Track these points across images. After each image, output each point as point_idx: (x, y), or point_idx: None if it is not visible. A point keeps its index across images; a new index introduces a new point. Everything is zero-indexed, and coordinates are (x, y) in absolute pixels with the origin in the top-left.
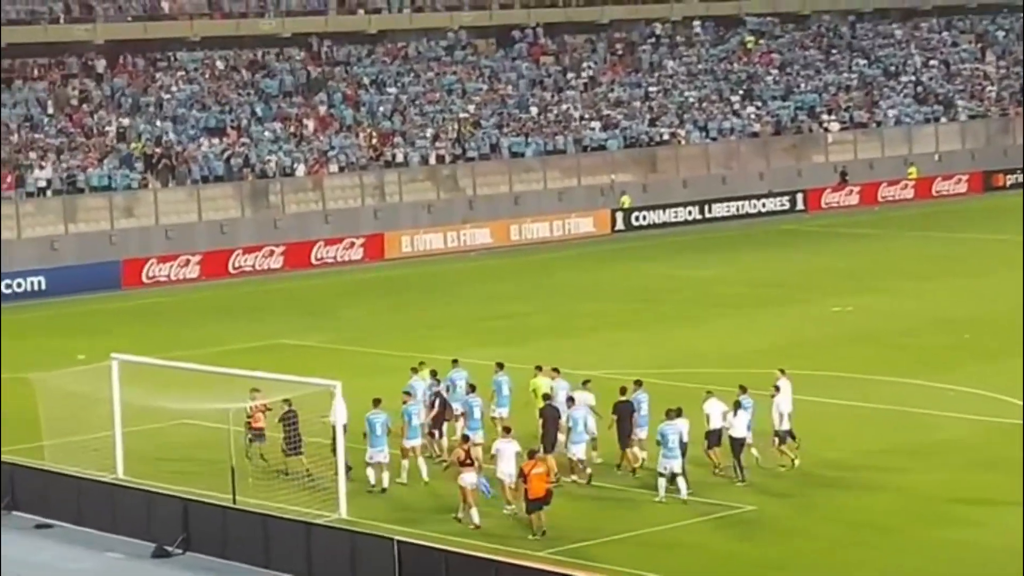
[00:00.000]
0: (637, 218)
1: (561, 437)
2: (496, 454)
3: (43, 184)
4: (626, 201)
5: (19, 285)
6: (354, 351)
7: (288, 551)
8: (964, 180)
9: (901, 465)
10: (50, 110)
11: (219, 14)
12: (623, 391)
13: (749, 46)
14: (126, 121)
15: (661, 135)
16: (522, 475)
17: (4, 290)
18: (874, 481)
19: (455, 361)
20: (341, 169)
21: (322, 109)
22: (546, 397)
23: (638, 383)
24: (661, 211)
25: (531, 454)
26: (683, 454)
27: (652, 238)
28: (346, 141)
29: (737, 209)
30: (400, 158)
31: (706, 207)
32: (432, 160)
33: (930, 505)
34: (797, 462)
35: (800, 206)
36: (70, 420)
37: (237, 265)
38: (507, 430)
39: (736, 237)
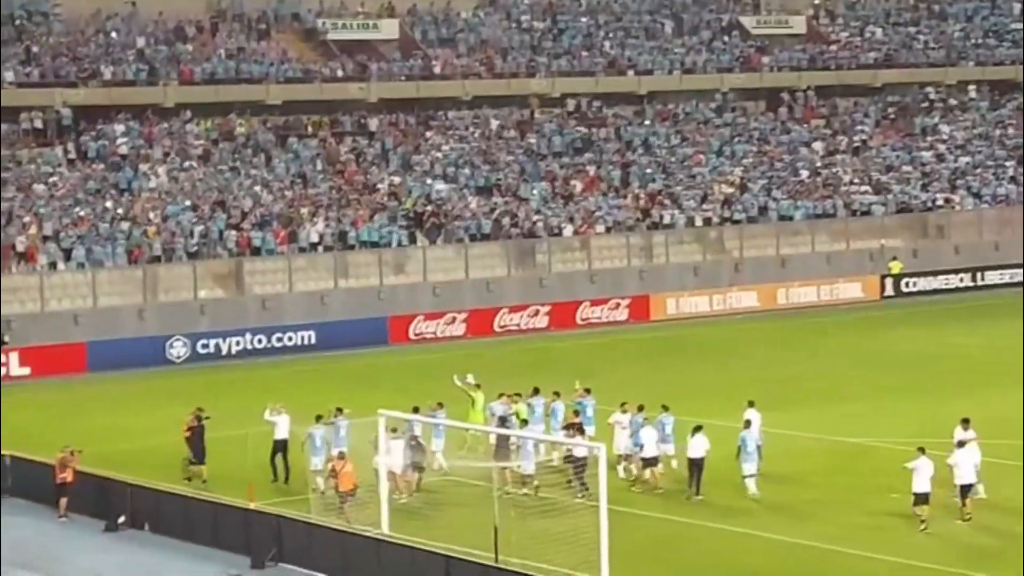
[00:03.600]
0: (907, 284)
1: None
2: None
3: (315, 239)
4: (896, 267)
5: (290, 339)
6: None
7: None
8: None
9: None
10: (323, 167)
11: (490, 74)
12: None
13: None
14: (397, 178)
15: (934, 200)
16: (332, 471)
17: (276, 343)
18: None
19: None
20: (608, 230)
21: (590, 170)
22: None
23: (664, 408)
24: (932, 277)
25: (340, 455)
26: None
27: (922, 305)
28: (613, 202)
29: (1010, 277)
30: (667, 219)
31: (978, 274)
32: (699, 222)
33: None
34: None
35: None
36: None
37: (502, 324)
38: (394, 430)
39: (1009, 305)
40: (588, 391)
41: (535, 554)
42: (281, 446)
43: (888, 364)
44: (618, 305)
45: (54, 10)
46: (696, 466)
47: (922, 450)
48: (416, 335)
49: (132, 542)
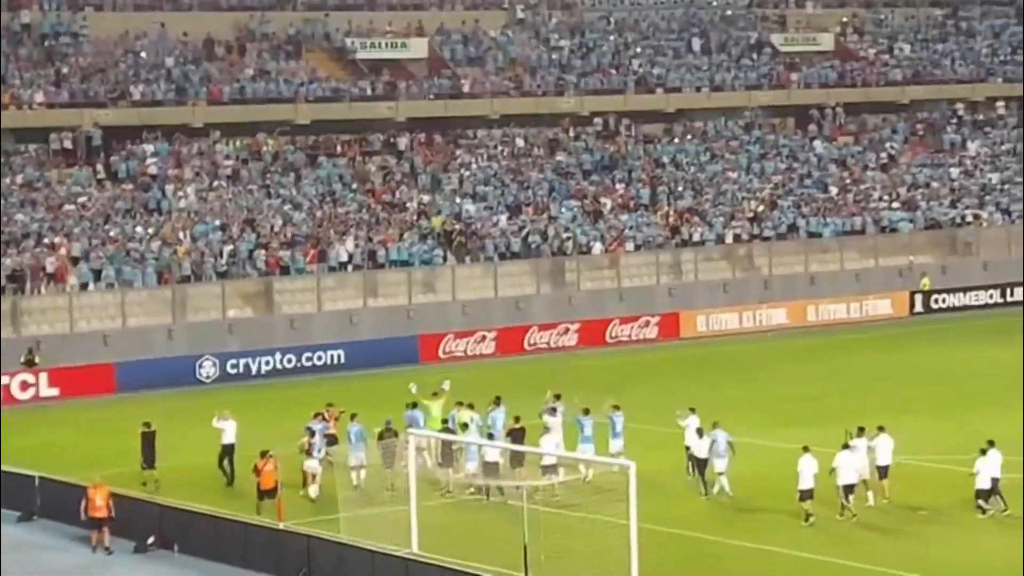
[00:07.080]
0: (936, 301)
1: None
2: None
3: (344, 258)
4: (926, 283)
5: (319, 358)
6: (647, 429)
7: None
8: None
9: None
10: (352, 185)
11: (519, 93)
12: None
13: None
14: (426, 197)
15: (962, 216)
16: (256, 470)
17: (305, 363)
18: None
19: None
20: (637, 247)
21: (619, 187)
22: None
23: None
24: (961, 294)
25: (263, 454)
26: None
27: (951, 321)
28: (642, 219)
29: None
30: (696, 237)
31: (1008, 290)
32: (728, 239)
33: None
34: None
35: None
36: (365, 493)
37: (532, 342)
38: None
39: None
40: (558, 397)
41: (560, 571)
42: (228, 450)
43: (916, 381)
44: (648, 323)
45: (83, 31)
46: (700, 464)
47: (806, 448)
48: (446, 353)
49: (162, 563)
